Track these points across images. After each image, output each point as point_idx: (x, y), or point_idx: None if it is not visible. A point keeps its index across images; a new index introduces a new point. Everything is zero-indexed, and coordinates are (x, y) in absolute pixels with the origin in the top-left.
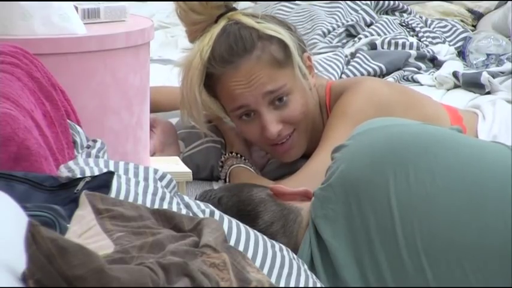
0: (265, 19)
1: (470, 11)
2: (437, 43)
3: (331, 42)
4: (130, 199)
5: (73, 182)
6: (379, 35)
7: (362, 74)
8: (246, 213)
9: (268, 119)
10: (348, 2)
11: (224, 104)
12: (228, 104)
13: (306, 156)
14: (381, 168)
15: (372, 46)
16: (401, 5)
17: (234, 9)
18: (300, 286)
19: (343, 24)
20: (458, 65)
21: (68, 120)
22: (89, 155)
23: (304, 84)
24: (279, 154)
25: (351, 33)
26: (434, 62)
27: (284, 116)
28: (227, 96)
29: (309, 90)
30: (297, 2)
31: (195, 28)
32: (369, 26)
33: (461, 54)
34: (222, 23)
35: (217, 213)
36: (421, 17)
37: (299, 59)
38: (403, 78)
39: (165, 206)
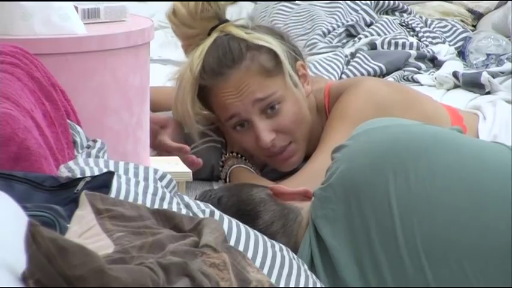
0: (255, 30)
1: (470, 11)
2: (437, 43)
3: (331, 42)
4: (130, 199)
5: (73, 182)
6: (379, 35)
7: (362, 74)
8: (246, 213)
9: (260, 128)
10: (348, 2)
11: (218, 115)
12: (221, 114)
13: (306, 157)
14: (380, 169)
15: (372, 46)
16: (401, 5)
17: (226, 21)
18: (300, 286)
19: (343, 24)
20: (458, 65)
21: (68, 120)
22: (89, 155)
23: (296, 93)
24: (278, 164)
25: (351, 33)
26: (434, 62)
27: (277, 125)
28: (219, 107)
29: (303, 99)
30: (297, 2)
31: (190, 42)
32: (369, 26)
33: (461, 54)
34: (214, 35)
35: (217, 213)
36: (421, 17)
37: (290, 67)
38: (403, 78)
39: (165, 206)
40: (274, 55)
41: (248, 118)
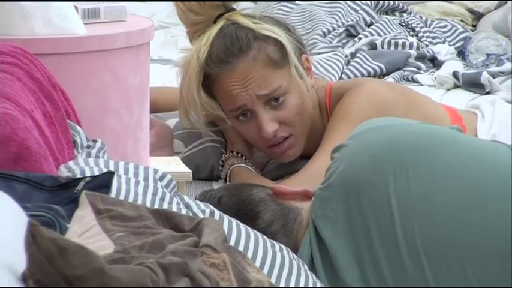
0: (262, 20)
1: (470, 11)
2: (437, 43)
3: (331, 42)
4: (131, 199)
5: (73, 182)
6: (379, 35)
7: (362, 74)
8: (246, 213)
9: (264, 118)
10: (348, 2)
11: (222, 104)
12: (225, 104)
13: (307, 157)
14: (380, 168)
15: (372, 46)
16: (401, 5)
17: (233, 9)
18: (300, 286)
19: (343, 24)
20: (458, 65)
21: (68, 120)
22: (89, 155)
23: (301, 85)
24: (276, 155)
25: (351, 33)
26: (434, 62)
27: (280, 116)
28: (224, 96)
29: (307, 92)
30: (297, 2)
31: (195, 29)
32: (369, 26)
33: (461, 54)
34: (220, 23)
35: (217, 213)
36: (421, 17)
37: (295, 59)
38: (403, 78)
39: (165, 206)
40: (281, 46)
41: (252, 109)
